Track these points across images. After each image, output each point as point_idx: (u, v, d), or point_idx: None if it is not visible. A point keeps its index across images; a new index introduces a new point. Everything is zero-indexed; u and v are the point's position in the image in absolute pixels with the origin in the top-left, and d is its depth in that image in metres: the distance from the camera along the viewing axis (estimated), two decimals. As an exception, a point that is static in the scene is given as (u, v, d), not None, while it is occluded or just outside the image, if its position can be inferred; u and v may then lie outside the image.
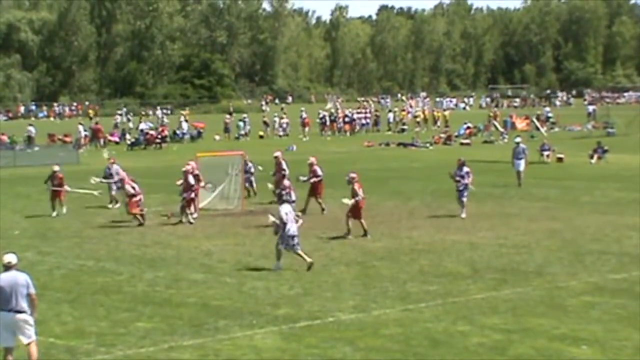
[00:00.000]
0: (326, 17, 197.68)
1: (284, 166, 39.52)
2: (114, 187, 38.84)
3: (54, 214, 36.29)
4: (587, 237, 31.42)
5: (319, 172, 37.18)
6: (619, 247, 29.57)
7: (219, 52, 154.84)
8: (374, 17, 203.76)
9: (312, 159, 37.87)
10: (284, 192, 32.22)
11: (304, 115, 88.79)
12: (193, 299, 22.94)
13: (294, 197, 32.32)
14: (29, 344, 16.38)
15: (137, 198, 34.22)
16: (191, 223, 34.25)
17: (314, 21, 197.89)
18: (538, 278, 25.24)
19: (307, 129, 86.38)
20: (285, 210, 26.43)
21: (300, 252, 26.11)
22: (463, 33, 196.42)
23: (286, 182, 33.64)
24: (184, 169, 35.13)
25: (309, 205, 36.70)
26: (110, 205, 38.85)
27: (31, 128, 76.85)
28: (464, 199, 35.41)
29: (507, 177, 45.98)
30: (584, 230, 32.53)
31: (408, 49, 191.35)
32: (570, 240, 30.81)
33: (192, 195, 34.84)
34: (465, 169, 35.87)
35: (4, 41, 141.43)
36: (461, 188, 35.49)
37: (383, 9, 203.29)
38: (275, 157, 40.30)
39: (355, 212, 31.32)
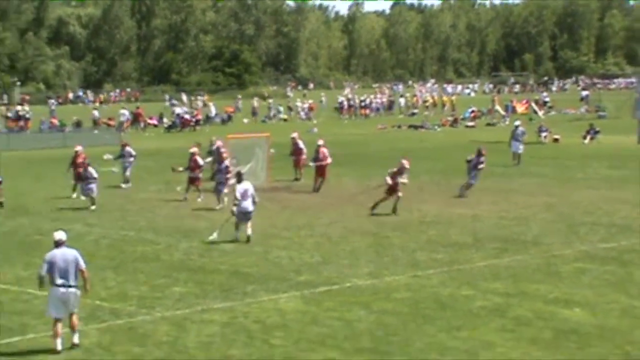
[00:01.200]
0: (344, 11, 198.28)
1: (301, 145, 39.69)
2: (128, 168, 38.11)
3: (74, 195, 34.68)
4: (580, 210, 31.40)
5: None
6: (608, 219, 29.57)
7: (247, 44, 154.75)
8: (388, 11, 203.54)
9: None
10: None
11: (310, 101, 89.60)
12: (224, 266, 23.01)
13: None
14: (71, 314, 16.08)
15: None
16: (186, 199, 33.71)
17: (333, 15, 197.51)
18: (535, 247, 25.24)
19: (312, 112, 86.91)
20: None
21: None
22: (468, 25, 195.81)
23: None
24: (190, 150, 34.86)
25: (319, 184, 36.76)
26: (124, 185, 37.63)
27: (95, 112, 77.30)
28: (473, 182, 34.71)
29: (507, 155, 45.87)
30: (577, 204, 32.50)
31: (418, 40, 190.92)
32: (565, 213, 30.77)
33: (199, 174, 34.34)
34: (482, 158, 35.06)
35: (54, 34, 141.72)
36: (473, 174, 34.68)
37: (396, 4, 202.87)
38: (292, 138, 40.46)
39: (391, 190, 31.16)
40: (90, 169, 32.82)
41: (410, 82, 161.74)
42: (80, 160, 34.76)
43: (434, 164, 46.73)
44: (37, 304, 18.86)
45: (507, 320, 17.98)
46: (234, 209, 25.79)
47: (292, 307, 19.01)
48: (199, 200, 33.24)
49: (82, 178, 33.63)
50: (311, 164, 37.78)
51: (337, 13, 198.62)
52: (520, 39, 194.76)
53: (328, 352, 16.00)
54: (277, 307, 19.00)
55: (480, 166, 34.75)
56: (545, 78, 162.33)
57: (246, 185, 26.07)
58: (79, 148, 35.74)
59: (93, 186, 32.52)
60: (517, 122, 48.58)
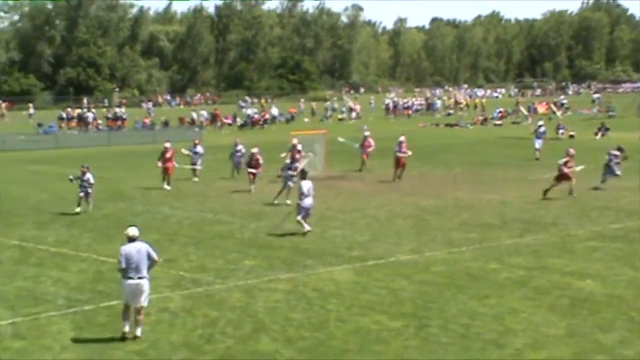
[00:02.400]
0: (390, 26, 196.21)
1: (371, 140, 40.07)
2: (199, 163, 37.33)
3: (167, 187, 34.11)
4: (592, 196, 31.05)
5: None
6: (616, 204, 29.24)
7: (307, 55, 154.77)
8: (427, 26, 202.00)
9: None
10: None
11: (350, 103, 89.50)
12: (287, 243, 23.06)
13: None
14: (140, 307, 14.93)
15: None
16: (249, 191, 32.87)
17: (380, 30, 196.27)
18: (553, 228, 25.00)
19: (354, 113, 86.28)
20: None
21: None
22: (496, 38, 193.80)
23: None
24: (253, 150, 33.91)
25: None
26: (195, 179, 36.69)
27: (195, 114, 77.46)
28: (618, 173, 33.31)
29: (530, 149, 45.41)
30: (590, 191, 32.09)
31: (453, 51, 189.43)
32: (579, 198, 30.42)
33: (255, 170, 33.22)
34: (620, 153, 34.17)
35: (147, 48, 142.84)
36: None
37: (434, 20, 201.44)
38: (365, 135, 40.52)
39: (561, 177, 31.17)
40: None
41: (446, 87, 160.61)
42: (168, 155, 34.58)
43: (467, 156, 46.44)
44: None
45: (529, 290, 17.84)
46: (299, 202, 24.18)
47: (345, 278, 19.01)
48: (252, 191, 32.57)
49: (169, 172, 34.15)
50: (342, 140, 39.45)
51: (384, 28, 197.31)
52: (541, 50, 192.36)
53: (376, 316, 15.98)
54: (332, 277, 19.01)
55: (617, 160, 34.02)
56: (563, 83, 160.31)
57: (309, 183, 24.54)
58: (167, 144, 35.29)
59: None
60: (540, 122, 48.01)
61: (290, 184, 29.91)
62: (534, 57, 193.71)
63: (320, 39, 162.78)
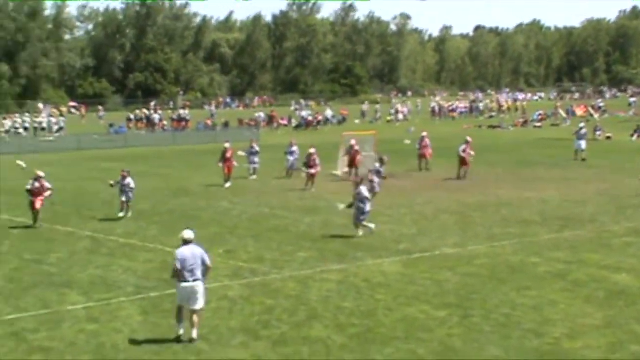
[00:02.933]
0: (436, 34, 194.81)
1: (428, 142, 39.60)
2: (255, 162, 36.96)
3: (227, 184, 33.87)
4: (628, 194, 30.52)
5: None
6: (652, 202, 28.73)
7: (358, 60, 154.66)
8: (471, 34, 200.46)
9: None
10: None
11: (398, 106, 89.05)
12: (339, 237, 23.05)
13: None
14: (195, 311, 13.98)
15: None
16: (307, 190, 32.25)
17: (427, 37, 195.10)
18: (590, 224, 24.68)
19: (401, 115, 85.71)
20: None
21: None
22: (537, 45, 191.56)
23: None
24: (310, 150, 33.48)
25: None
26: (252, 177, 36.39)
27: (261, 114, 77.66)
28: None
29: (569, 150, 44.84)
30: (626, 190, 31.60)
31: (496, 57, 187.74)
32: (616, 196, 30.00)
33: (313, 171, 32.72)
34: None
35: (209, 54, 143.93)
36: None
37: (478, 28, 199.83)
38: (422, 137, 40.16)
39: None
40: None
41: (488, 91, 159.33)
42: (228, 155, 34.57)
43: (508, 156, 46.03)
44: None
45: (567, 283, 17.64)
46: (364, 207, 22.89)
47: (393, 269, 18.96)
48: (313, 191, 32.12)
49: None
50: (408, 142, 39.70)
51: (430, 36, 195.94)
52: (580, 56, 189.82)
53: (421, 305, 15.92)
54: (381, 269, 18.98)
55: None
56: (600, 87, 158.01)
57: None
58: (227, 145, 35.36)
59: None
60: (582, 124, 47.20)
61: (377, 188, 28.08)
62: (573, 63, 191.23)
63: (370, 45, 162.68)
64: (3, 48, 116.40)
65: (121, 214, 26.16)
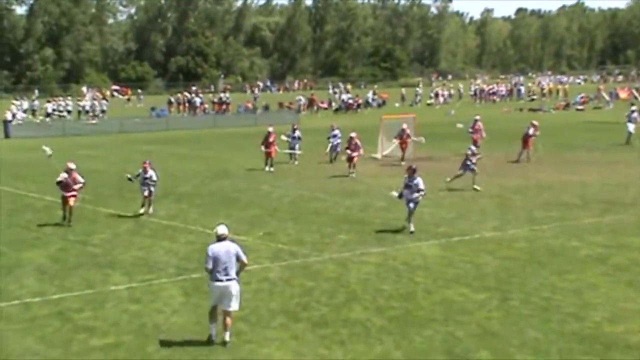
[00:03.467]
0: (477, 17, 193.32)
1: (481, 125, 39.27)
2: (297, 148, 36.54)
3: (270, 169, 33.66)
4: (671, 178, 30.08)
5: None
6: (696, 186, 28.31)
7: (398, 44, 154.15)
8: (513, 16, 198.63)
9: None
10: None
11: (439, 90, 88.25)
12: (378, 219, 23.06)
13: None
14: (228, 312, 13.02)
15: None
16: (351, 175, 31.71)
17: (468, 20, 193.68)
18: (632, 208, 24.38)
19: (441, 99, 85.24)
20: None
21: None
22: (580, 27, 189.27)
23: None
24: (351, 134, 33.00)
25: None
26: (295, 162, 35.89)
27: (301, 97, 77.66)
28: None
29: (611, 133, 44.27)
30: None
31: (538, 40, 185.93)
32: (658, 180, 29.60)
33: (355, 154, 32.06)
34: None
35: (249, 38, 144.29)
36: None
37: (519, 10, 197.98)
38: (475, 120, 39.71)
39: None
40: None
41: (530, 74, 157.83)
42: (271, 139, 34.38)
43: (549, 139, 45.51)
44: (235, 245, 19.38)
45: (608, 267, 17.47)
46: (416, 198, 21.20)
47: (432, 252, 18.93)
48: (353, 176, 31.61)
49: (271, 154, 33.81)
50: (461, 126, 39.40)
51: (471, 18, 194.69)
52: (624, 38, 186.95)
53: (460, 288, 15.89)
54: (420, 252, 18.95)
55: None
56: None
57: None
58: (270, 129, 35.05)
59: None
60: (634, 107, 46.37)
61: (475, 169, 28.20)
62: (617, 45, 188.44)
63: (410, 29, 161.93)
64: (47, 32, 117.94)
65: (142, 210, 23.97)
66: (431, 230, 21.36)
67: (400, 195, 21.53)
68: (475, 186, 28.03)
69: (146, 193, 23.91)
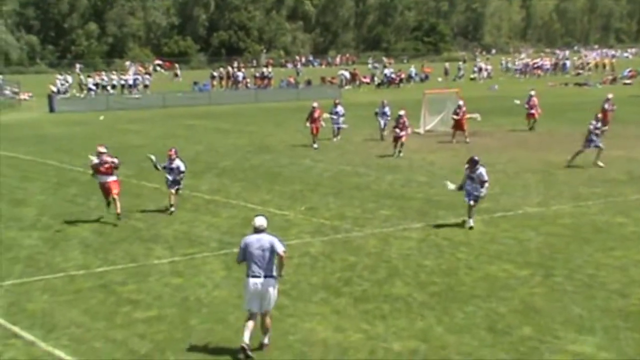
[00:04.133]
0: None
1: (536, 101, 38.26)
2: (339, 123, 35.61)
3: (315, 145, 33.06)
4: None
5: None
6: None
7: (442, 18, 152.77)
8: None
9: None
10: None
11: (482, 64, 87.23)
12: (420, 195, 22.99)
13: None
14: (265, 314, 11.81)
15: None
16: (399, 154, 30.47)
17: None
18: (680, 184, 24.00)
19: (485, 73, 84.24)
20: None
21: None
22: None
23: None
24: (400, 112, 31.37)
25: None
26: (336, 139, 35.16)
27: (344, 72, 77.71)
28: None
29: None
30: None
31: (584, 13, 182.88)
32: None
33: (403, 134, 30.60)
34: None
35: (292, 12, 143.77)
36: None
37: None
38: (530, 95, 38.71)
39: None
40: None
41: (576, 47, 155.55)
42: (316, 115, 33.66)
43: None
44: (277, 219, 19.47)
45: (655, 244, 17.24)
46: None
47: (475, 228, 18.79)
48: (401, 155, 30.42)
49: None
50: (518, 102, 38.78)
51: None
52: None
53: (503, 264, 15.79)
54: (462, 228, 18.84)
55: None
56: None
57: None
58: (315, 104, 34.26)
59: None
60: None
61: (601, 145, 27.55)
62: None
63: (454, 2, 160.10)
64: (91, 7, 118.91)
65: (173, 209, 20.85)
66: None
67: (460, 188, 19.50)
68: (599, 162, 27.32)
69: (173, 189, 20.86)
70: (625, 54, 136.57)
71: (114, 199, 20.10)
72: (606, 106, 36.23)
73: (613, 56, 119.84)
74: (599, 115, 28.79)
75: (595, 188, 23.48)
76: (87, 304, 13.86)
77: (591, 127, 27.80)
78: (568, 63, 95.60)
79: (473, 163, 19.27)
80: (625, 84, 72.73)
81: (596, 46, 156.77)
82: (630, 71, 79.29)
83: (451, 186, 19.89)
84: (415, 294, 14.07)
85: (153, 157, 21.38)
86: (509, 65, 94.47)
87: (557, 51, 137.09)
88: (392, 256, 16.53)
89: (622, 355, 11.25)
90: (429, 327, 12.51)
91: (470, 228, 18.72)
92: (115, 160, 20.36)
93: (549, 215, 20.04)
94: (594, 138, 27.65)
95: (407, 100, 48.16)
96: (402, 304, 13.58)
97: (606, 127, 28.84)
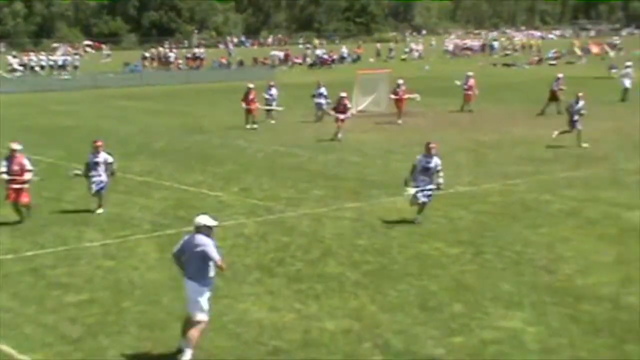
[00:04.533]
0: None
1: (472, 82, 38.54)
2: (274, 105, 35.15)
3: (252, 126, 32.84)
4: (643, 132, 30.25)
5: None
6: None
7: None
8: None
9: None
10: None
11: (413, 45, 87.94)
12: (353, 174, 23.05)
13: None
14: (190, 318, 10.69)
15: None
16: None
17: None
18: (604, 162, 24.56)
19: (415, 54, 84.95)
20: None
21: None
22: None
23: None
24: (341, 94, 30.67)
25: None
26: (272, 121, 34.32)
27: (277, 52, 77.31)
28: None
29: (585, 88, 44.22)
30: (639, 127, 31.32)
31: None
32: (629, 134, 29.80)
33: (342, 116, 29.77)
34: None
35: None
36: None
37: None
38: (467, 76, 38.82)
39: None
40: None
41: (503, 29, 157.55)
42: (251, 96, 33.27)
43: (523, 94, 45.70)
44: (210, 200, 19.32)
45: (580, 220, 17.59)
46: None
47: (407, 207, 18.86)
48: (340, 136, 29.58)
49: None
50: (459, 83, 39.13)
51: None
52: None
53: (435, 242, 15.93)
54: (395, 207, 18.94)
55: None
56: (617, 25, 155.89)
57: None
58: (251, 85, 33.91)
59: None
60: (629, 63, 46.04)
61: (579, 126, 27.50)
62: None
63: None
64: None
65: (99, 211, 18.68)
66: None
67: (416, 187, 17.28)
68: (583, 144, 27.24)
69: (94, 186, 18.59)
70: (550, 36, 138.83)
71: (23, 206, 17.91)
72: (554, 86, 36.80)
73: (542, 38, 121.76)
74: (580, 94, 28.97)
75: (523, 166, 23.86)
76: (16, 288, 13.55)
77: (571, 108, 27.93)
78: (496, 44, 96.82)
79: (429, 149, 17.41)
80: (550, 64, 73.99)
81: (523, 28, 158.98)
82: (555, 52, 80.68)
83: (410, 191, 17.34)
84: (348, 273, 14.10)
85: (76, 171, 19.46)
86: (434, 45, 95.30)
87: (486, 32, 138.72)
88: (325, 236, 16.54)
89: (549, 330, 11.46)
90: (362, 305, 12.56)
91: (418, 222, 17.23)
92: (30, 168, 17.97)
93: (479, 194, 20.29)
94: (577, 118, 27.62)
95: (339, 81, 48.16)
96: (336, 283, 13.61)
97: (583, 111, 28.55)
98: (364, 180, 22.17)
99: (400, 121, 33.75)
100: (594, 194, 20.05)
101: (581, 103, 27.93)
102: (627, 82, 42.64)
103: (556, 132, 27.89)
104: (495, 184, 21.51)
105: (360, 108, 37.39)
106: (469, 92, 38.31)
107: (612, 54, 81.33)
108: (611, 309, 12.22)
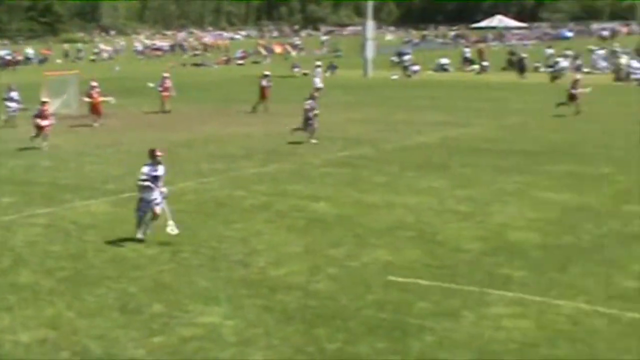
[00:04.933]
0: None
1: (169, 83, 38.61)
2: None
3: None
4: (324, 128, 31.50)
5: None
6: (343, 134, 30.32)
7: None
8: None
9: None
10: None
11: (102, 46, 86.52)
12: (45, 179, 22.14)
13: None
14: None
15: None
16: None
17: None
18: (292, 157, 25.62)
19: (105, 54, 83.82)
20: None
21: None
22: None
23: None
24: (43, 99, 28.91)
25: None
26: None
27: None
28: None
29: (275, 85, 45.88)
30: (322, 125, 32.65)
31: None
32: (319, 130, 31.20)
33: (45, 123, 27.43)
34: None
35: None
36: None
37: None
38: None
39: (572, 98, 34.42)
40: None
41: (191, 30, 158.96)
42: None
43: (213, 93, 46.48)
44: None
45: (271, 214, 18.18)
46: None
47: (102, 210, 18.50)
48: (45, 148, 27.85)
49: None
50: (152, 85, 39.12)
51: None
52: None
53: (132, 244, 15.63)
54: (89, 210, 18.45)
55: None
56: (297, 26, 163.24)
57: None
58: None
59: None
60: (319, 63, 48.59)
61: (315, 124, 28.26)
62: (271, 1, 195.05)
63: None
64: None
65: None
66: (100, 188, 20.88)
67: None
68: (313, 140, 27.91)
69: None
70: (237, 36, 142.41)
71: None
72: (263, 83, 37.85)
73: (231, 38, 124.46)
74: (315, 94, 29.68)
75: (216, 164, 24.23)
76: None
77: (307, 106, 28.38)
78: (186, 44, 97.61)
79: (154, 155, 16.30)
80: (238, 64, 75.99)
81: (210, 28, 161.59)
82: (242, 52, 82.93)
83: (175, 230, 15.62)
84: (42, 281, 13.50)
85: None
86: (123, 46, 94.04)
87: (176, 33, 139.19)
88: (16, 244, 15.70)
89: (245, 321, 11.74)
90: (59, 313, 12.08)
91: (142, 240, 15.69)
92: None
93: (175, 193, 20.23)
94: (311, 116, 28.13)
95: (26, 83, 45.92)
96: (29, 292, 12.97)
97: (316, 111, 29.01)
98: (56, 184, 21.35)
99: (96, 124, 32.91)
100: (283, 188, 20.84)
101: (313, 103, 28.59)
102: (318, 82, 45.04)
103: (292, 129, 28.48)
104: (190, 182, 21.66)
105: (52, 110, 35.89)
106: (165, 93, 38.31)
107: (293, 53, 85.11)
108: (301, 297, 12.77)
